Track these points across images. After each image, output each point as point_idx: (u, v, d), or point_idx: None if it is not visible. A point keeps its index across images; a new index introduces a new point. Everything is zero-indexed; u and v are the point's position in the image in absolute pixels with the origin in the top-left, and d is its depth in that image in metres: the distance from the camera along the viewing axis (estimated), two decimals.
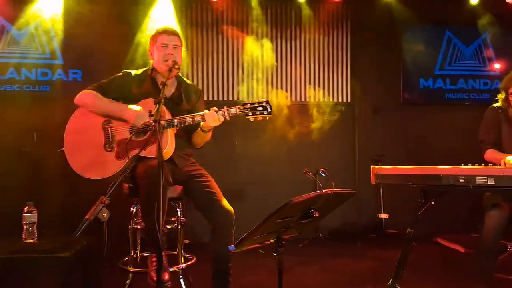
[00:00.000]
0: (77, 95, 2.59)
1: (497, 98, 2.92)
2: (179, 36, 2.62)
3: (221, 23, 4.75)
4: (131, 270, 2.56)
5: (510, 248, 2.95)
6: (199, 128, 2.53)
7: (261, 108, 2.42)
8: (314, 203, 1.80)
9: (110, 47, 4.31)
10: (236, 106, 2.42)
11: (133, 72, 2.67)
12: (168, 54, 2.53)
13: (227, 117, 2.42)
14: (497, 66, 5.12)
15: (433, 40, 5.10)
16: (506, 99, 2.83)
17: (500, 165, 2.56)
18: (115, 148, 2.46)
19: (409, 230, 2.59)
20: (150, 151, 2.35)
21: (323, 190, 1.77)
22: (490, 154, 2.81)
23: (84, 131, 2.53)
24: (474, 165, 2.44)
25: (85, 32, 4.25)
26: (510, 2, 4.43)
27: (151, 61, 2.66)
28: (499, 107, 2.86)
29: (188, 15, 4.68)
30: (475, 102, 5.11)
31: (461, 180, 2.36)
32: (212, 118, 2.40)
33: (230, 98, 4.78)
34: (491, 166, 2.45)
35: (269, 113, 2.43)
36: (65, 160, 2.49)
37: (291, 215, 1.78)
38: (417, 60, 5.05)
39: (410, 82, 5.07)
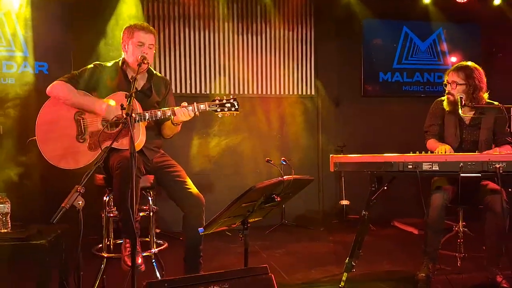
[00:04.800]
0: (50, 85, 2.63)
1: None
2: (155, 35, 2.70)
3: (187, 16, 4.85)
4: (105, 256, 2.68)
5: (455, 228, 3.25)
6: (170, 121, 2.66)
7: (229, 105, 2.57)
8: (276, 189, 1.99)
9: (76, 39, 4.34)
10: (206, 102, 2.56)
11: (104, 64, 2.73)
12: (143, 53, 2.59)
13: (197, 113, 2.56)
14: (450, 60, 5.46)
15: (391, 35, 5.35)
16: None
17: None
18: (88, 139, 2.56)
19: (364, 212, 2.83)
20: (122, 143, 2.47)
21: (284, 177, 1.96)
22: (431, 143, 3.08)
23: (56, 121, 2.60)
24: (422, 153, 2.71)
25: (51, 24, 4.26)
26: (460, 1, 4.73)
27: (123, 54, 2.72)
28: (443, 100, 3.13)
29: (155, 8, 4.75)
30: (430, 94, 5.42)
31: (409, 166, 2.63)
32: (182, 113, 2.53)
33: (197, 91, 4.89)
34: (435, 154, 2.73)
35: (236, 109, 2.58)
36: (38, 150, 2.57)
37: (255, 200, 1.96)
38: (377, 54, 5.31)
39: (370, 75, 5.31)
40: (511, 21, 4.99)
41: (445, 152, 2.80)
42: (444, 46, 5.47)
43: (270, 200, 2.01)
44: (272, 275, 1.80)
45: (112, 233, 2.88)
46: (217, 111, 2.58)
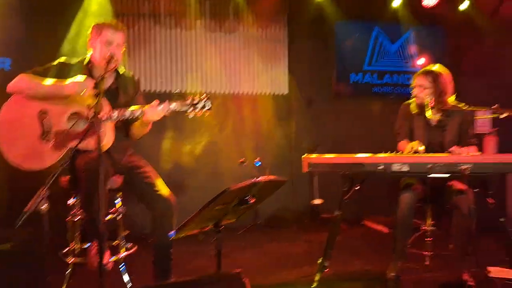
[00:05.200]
0: (11, 82, 2.50)
1: None
2: (124, 34, 2.60)
3: (158, 13, 4.75)
4: (71, 261, 2.58)
5: (423, 227, 3.32)
6: (139, 122, 2.58)
7: (201, 104, 2.49)
8: (250, 190, 1.95)
9: (40, 35, 4.17)
10: (177, 102, 2.47)
11: (69, 62, 2.62)
12: (110, 52, 2.49)
13: (167, 112, 2.48)
14: (418, 62, 5.58)
15: (362, 37, 5.44)
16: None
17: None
18: (52, 139, 2.45)
19: (337, 213, 2.85)
20: (88, 143, 2.37)
21: (258, 178, 1.93)
22: (402, 145, 3.14)
23: (18, 120, 2.48)
24: (393, 152, 2.75)
25: (14, 19, 4.07)
26: (426, 5, 4.84)
27: (90, 52, 2.63)
28: (410, 103, 3.19)
29: (124, 4, 4.63)
30: (399, 96, 5.51)
31: (380, 167, 2.65)
32: (152, 112, 2.44)
33: (168, 89, 4.81)
34: (405, 154, 2.77)
35: (209, 109, 2.51)
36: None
37: (228, 202, 1.92)
38: (348, 55, 5.36)
39: (342, 76, 5.36)
40: (475, 24, 5.14)
41: (413, 148, 2.85)
42: (413, 49, 5.59)
43: (244, 202, 1.98)
44: (247, 280, 1.77)
45: (79, 236, 2.78)
46: (188, 111, 2.51)
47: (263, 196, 2.14)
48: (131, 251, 2.75)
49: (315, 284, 2.80)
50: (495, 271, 2.92)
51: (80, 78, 2.42)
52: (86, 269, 2.42)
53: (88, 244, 2.51)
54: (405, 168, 2.62)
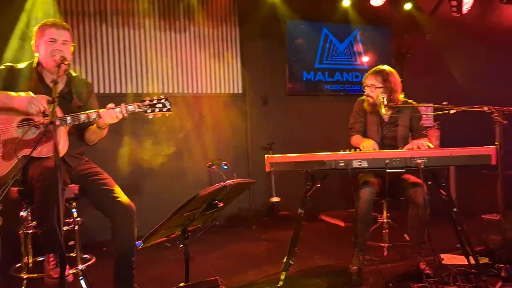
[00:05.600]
0: None
1: None
2: (69, 31, 2.49)
3: (104, 12, 4.58)
4: (25, 276, 2.42)
5: (380, 219, 3.44)
6: (95, 125, 2.47)
7: (160, 105, 2.43)
8: (218, 194, 1.93)
9: None
10: (135, 103, 2.41)
11: (16, 67, 2.46)
12: (56, 49, 2.40)
13: (125, 114, 2.39)
14: (362, 59, 5.78)
15: (312, 36, 5.54)
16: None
17: (360, 149, 2.98)
18: (1, 148, 2.28)
19: (300, 211, 2.88)
20: (40, 151, 2.24)
21: (227, 181, 1.91)
22: (355, 140, 3.25)
23: None
24: (351, 151, 2.82)
25: None
26: (374, 5, 5.02)
27: (36, 55, 2.49)
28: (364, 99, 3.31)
29: (68, 3, 4.41)
30: (349, 93, 5.71)
31: (341, 164, 2.72)
32: (109, 115, 2.36)
33: (119, 91, 4.65)
34: (363, 151, 2.86)
35: (168, 109, 2.45)
36: None
37: (197, 207, 1.88)
38: (300, 54, 5.46)
39: (294, 74, 5.44)
40: (419, 24, 5.41)
41: (370, 147, 2.96)
42: (360, 47, 5.78)
43: (212, 206, 1.95)
44: (223, 287, 1.74)
45: (31, 250, 2.61)
46: (147, 112, 2.44)
47: (230, 199, 2.13)
48: (90, 262, 2.63)
49: (280, 283, 2.82)
50: (448, 258, 3.10)
51: (32, 94, 2.29)
52: (42, 284, 2.28)
53: (43, 258, 2.36)
54: (365, 164, 2.71)
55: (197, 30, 4.97)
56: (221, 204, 1.96)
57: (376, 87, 3.19)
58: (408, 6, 5.30)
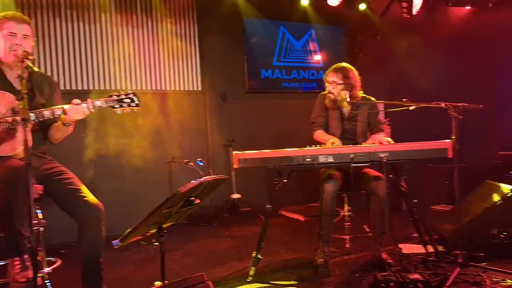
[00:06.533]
0: None
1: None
2: (30, 26, 2.38)
3: (57, 5, 4.38)
4: None
5: (341, 212, 3.57)
6: (59, 122, 2.37)
7: (128, 100, 2.38)
8: (195, 191, 1.93)
9: None
10: (102, 98, 2.35)
11: None
12: (16, 44, 2.29)
13: (92, 110, 2.33)
14: (318, 58, 5.93)
15: (270, 34, 5.62)
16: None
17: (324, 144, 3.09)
18: None
19: (268, 206, 2.93)
20: (3, 150, 2.14)
21: (204, 178, 1.92)
22: (318, 134, 3.37)
23: None
24: (317, 146, 2.91)
25: None
26: (331, 5, 5.17)
27: None
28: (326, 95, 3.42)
29: None
30: (306, 90, 5.85)
31: (308, 159, 2.80)
32: (75, 111, 2.28)
33: (75, 88, 4.48)
34: (329, 147, 2.96)
35: (137, 105, 2.40)
36: None
37: (174, 205, 1.88)
38: (258, 51, 5.51)
39: (253, 72, 5.49)
40: (372, 24, 5.63)
41: (335, 144, 3.07)
42: (315, 46, 5.93)
43: (188, 203, 1.94)
44: (210, 283, 1.75)
45: None
46: (115, 107, 2.38)
47: (205, 195, 2.14)
48: (56, 265, 2.53)
49: (250, 278, 2.86)
50: (406, 248, 3.28)
51: None
52: None
53: (5, 262, 2.24)
54: (330, 159, 2.81)
55: (154, 25, 4.88)
56: (198, 201, 1.97)
57: (337, 84, 3.31)
58: (362, 6, 5.50)
